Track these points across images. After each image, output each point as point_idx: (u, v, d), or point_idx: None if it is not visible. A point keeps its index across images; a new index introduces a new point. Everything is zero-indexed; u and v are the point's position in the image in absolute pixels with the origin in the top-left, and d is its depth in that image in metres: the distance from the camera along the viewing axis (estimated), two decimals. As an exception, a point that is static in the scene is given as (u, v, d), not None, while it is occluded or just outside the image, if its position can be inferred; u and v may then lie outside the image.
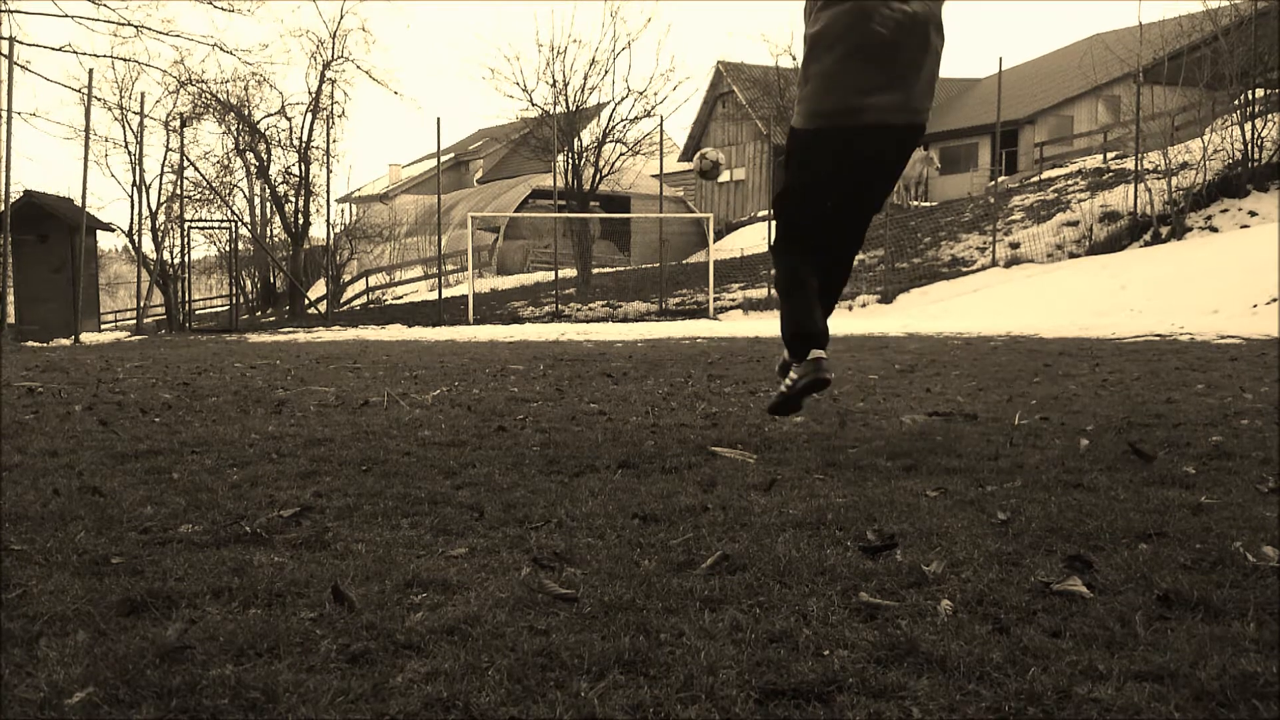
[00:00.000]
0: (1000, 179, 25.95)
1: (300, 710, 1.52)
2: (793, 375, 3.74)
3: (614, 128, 25.04)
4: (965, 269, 20.37)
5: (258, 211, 26.78)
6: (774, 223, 3.88)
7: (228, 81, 22.84)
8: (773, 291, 20.35)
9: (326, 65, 23.26)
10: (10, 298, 16.55)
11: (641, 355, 8.98)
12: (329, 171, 23.58)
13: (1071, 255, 19.46)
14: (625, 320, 18.60)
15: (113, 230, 20.83)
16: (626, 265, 32.14)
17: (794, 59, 28.12)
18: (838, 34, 3.46)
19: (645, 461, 3.41)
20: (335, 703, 1.54)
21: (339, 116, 24.31)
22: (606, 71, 26.33)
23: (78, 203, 17.89)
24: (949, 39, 3.63)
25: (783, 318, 3.79)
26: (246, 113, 23.40)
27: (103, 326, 21.56)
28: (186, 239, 21.19)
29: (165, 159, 21.87)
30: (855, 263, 3.78)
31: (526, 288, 25.80)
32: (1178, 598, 1.91)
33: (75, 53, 19.88)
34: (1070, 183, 24.40)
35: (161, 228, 22.03)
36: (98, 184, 46.57)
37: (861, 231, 3.86)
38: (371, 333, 16.24)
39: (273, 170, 24.05)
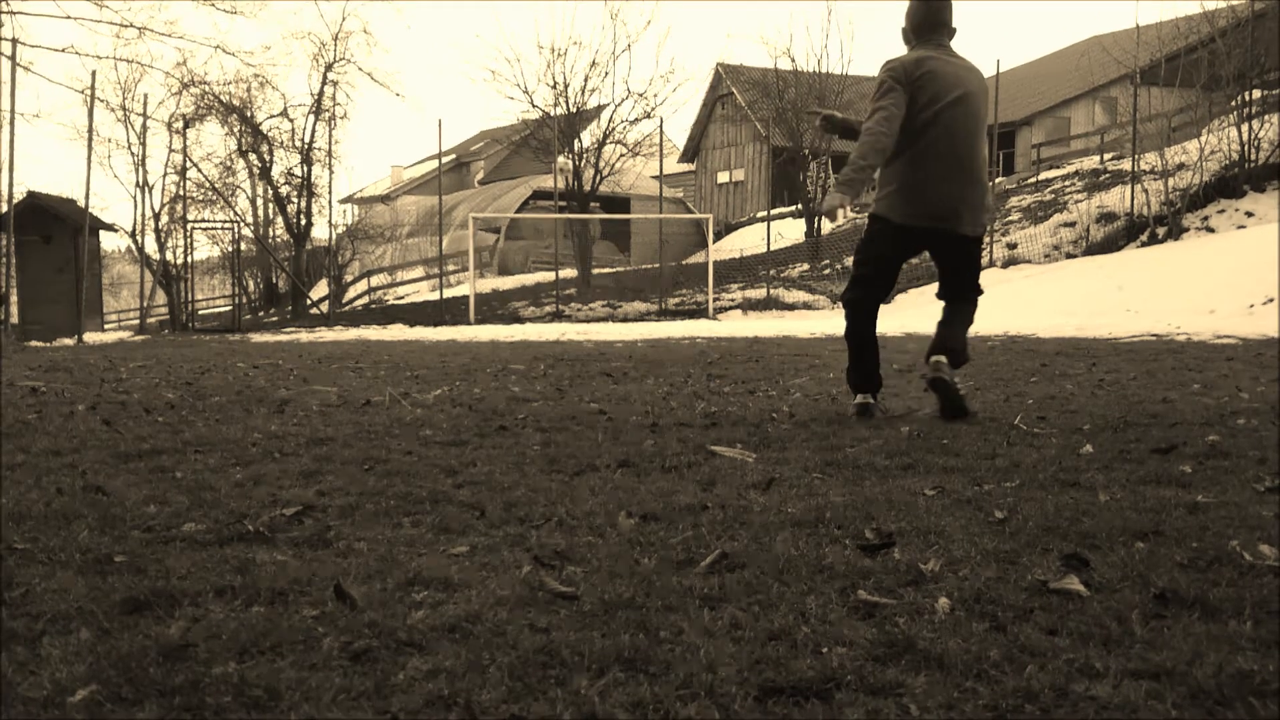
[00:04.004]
0: (998, 180, 25.96)
1: (303, 708, 1.52)
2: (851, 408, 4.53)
3: (614, 129, 25.02)
4: (964, 269, 20.34)
5: (260, 212, 26.77)
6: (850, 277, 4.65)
7: (230, 83, 22.82)
8: (772, 291, 20.52)
9: (328, 67, 23.25)
10: (14, 298, 16.57)
11: (641, 355, 8.99)
12: (331, 173, 23.60)
13: (1069, 256, 19.46)
14: (625, 320, 18.60)
15: (116, 231, 20.89)
16: (626, 265, 32.12)
17: (792, 60, 28.11)
18: (931, 170, 4.39)
19: (645, 461, 3.42)
20: (337, 700, 1.55)
21: (341, 118, 24.18)
22: (606, 73, 26.24)
23: (81, 203, 17.91)
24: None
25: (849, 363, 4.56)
26: (249, 114, 23.38)
27: (106, 327, 21.54)
28: (189, 239, 21.21)
29: (168, 160, 21.90)
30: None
31: (527, 288, 25.76)
32: (1174, 596, 1.92)
33: (78, 54, 19.88)
34: (1067, 184, 24.41)
35: (164, 228, 22.04)
36: (101, 185, 46.59)
37: (966, 276, 4.79)
38: (373, 333, 16.25)
39: (275, 171, 24.04)
